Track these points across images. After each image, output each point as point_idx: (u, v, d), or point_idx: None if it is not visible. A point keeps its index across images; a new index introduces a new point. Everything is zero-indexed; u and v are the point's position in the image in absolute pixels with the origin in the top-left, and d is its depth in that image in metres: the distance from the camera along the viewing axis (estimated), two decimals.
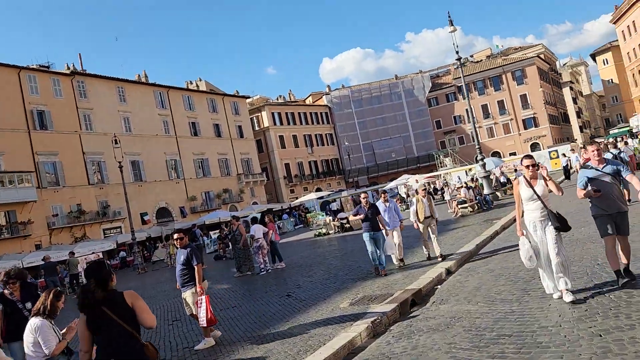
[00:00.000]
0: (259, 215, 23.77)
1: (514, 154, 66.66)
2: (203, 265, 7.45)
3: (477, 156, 22.07)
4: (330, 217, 25.10)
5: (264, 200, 60.02)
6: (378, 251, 9.59)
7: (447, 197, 21.80)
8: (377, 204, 10.31)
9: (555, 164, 39.96)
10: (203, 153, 54.40)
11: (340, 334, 5.92)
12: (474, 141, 74.55)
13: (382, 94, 78.55)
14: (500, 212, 17.14)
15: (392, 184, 33.93)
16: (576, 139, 76.88)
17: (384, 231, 9.75)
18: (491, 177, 22.01)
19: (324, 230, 23.66)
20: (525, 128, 72.21)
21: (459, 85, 75.57)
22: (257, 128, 67.02)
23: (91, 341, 3.48)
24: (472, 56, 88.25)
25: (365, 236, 9.69)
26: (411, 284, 7.94)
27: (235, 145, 59.53)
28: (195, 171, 52.99)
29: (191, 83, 66.03)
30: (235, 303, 9.88)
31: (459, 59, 22.64)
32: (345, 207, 23.11)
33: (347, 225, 22.83)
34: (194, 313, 7.07)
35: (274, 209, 42.52)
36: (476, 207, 18.60)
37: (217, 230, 34.18)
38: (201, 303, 6.83)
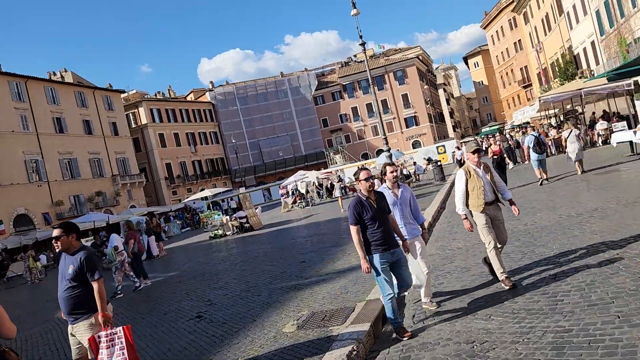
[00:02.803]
0: (142, 219, 20.63)
1: (398, 151, 68.81)
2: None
3: (383, 148, 21.19)
4: (227, 217, 22.68)
5: (143, 203, 55.16)
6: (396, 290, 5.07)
7: (337, 193, 20.59)
8: (381, 190, 5.57)
9: (443, 158, 41.20)
10: (71, 152, 48.25)
11: None
12: (359, 139, 76.72)
13: (268, 91, 76.76)
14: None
15: (290, 180, 32.20)
16: (452, 137, 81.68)
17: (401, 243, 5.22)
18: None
19: (220, 232, 21.19)
20: (407, 126, 74.83)
21: (344, 83, 76.51)
22: (133, 125, 61.58)
23: None
24: (355, 56, 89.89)
25: (376, 259, 4.91)
26: (370, 292, 6.15)
27: (109, 144, 53.84)
28: (61, 172, 46.73)
29: (55, 74, 58.68)
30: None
31: (362, 44, 21.59)
32: (243, 205, 20.79)
33: (247, 225, 20.61)
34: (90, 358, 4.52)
35: (156, 212, 38.67)
36: None
37: (91, 237, 29.91)
38: (113, 340, 4.32)
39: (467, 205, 5.85)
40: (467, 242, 8.16)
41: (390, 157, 21.05)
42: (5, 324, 3.37)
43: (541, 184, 14.20)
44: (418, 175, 27.47)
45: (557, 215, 8.69)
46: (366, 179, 5.02)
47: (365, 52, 22.35)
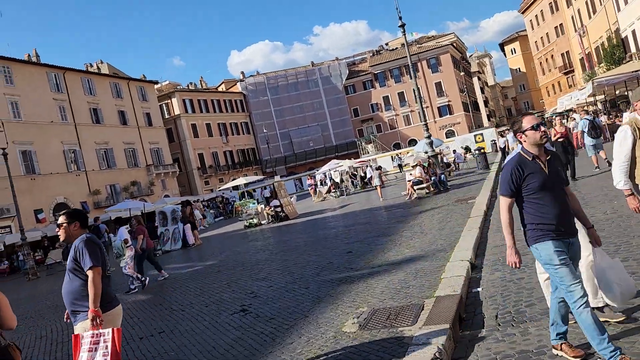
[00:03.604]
0: (178, 207, 20.34)
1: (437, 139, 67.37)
2: (108, 270, 4.25)
3: (424, 135, 20.32)
4: (262, 205, 22.22)
5: (177, 193, 55.55)
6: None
7: (376, 182, 19.81)
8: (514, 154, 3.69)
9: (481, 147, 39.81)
10: (107, 142, 48.83)
11: None
12: (391, 129, 75.53)
13: (298, 80, 76.14)
14: (462, 192, 15.31)
15: (324, 168, 31.57)
16: (487, 126, 79.47)
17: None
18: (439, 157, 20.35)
19: (255, 221, 20.74)
20: (440, 115, 73.22)
21: (376, 72, 75.22)
22: (167, 116, 61.99)
23: None
24: (387, 44, 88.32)
25: (548, 248, 3.33)
26: (438, 287, 5.44)
27: (144, 134, 54.30)
28: (98, 162, 47.38)
29: (91, 66, 59.46)
30: (164, 327, 6.85)
31: (402, 25, 20.66)
32: (278, 193, 20.28)
33: (282, 214, 20.08)
34: None
35: (192, 201, 38.67)
36: (431, 188, 16.68)
37: (128, 225, 30.05)
38: (98, 342, 3.57)
39: (632, 176, 4.24)
40: None
41: (431, 144, 20.16)
42: (7, 315, 3.18)
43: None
44: (458, 163, 26.42)
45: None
46: (535, 127, 3.34)
47: (404, 34, 21.45)
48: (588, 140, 13.49)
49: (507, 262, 3.51)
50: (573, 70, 61.36)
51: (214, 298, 7.68)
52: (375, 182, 19.51)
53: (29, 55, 47.79)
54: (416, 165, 17.07)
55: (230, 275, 9.59)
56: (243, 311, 6.47)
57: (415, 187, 16.25)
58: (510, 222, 3.48)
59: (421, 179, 16.48)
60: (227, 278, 9.27)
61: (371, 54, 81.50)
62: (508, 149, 23.25)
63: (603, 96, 32.53)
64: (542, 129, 3.37)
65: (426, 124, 21.05)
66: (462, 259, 6.52)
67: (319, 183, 32.30)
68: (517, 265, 3.45)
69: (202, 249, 17.12)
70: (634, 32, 39.44)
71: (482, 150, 22.07)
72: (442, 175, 17.58)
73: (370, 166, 35.20)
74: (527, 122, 3.41)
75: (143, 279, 10.90)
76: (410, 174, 16.89)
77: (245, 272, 9.52)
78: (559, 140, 12.22)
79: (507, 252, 3.49)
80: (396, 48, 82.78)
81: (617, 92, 30.68)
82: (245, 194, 39.73)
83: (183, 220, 18.93)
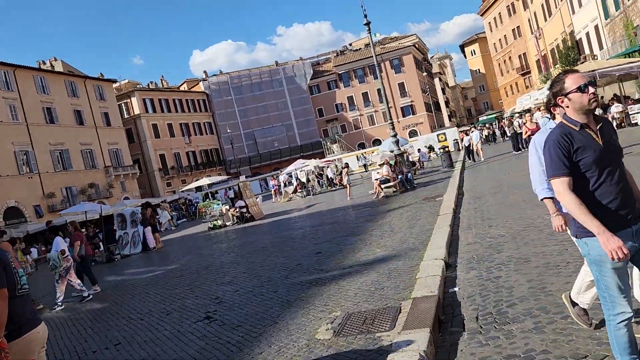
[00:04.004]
0: (138, 209, 19.56)
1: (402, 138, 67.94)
2: (21, 290, 3.33)
3: (390, 134, 20.19)
4: (227, 207, 21.66)
5: (137, 195, 54.02)
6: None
7: (345, 180, 19.75)
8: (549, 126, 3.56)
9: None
10: (62, 143, 46.97)
11: None
12: (355, 129, 75.75)
13: (262, 80, 75.43)
14: (429, 191, 15.25)
15: (290, 168, 31.18)
16: (449, 126, 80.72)
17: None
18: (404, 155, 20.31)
19: (219, 222, 20.17)
20: (403, 115, 73.95)
21: (340, 72, 75.30)
22: (126, 116, 60.28)
23: None
24: (350, 44, 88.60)
25: (599, 247, 2.55)
26: (413, 288, 5.19)
27: (102, 135, 52.57)
28: (53, 164, 45.50)
29: (44, 63, 57.13)
30: (120, 338, 6.36)
31: (367, 24, 20.51)
32: (244, 193, 19.80)
33: (248, 215, 19.60)
34: None
35: (160, 202, 37.69)
36: (398, 186, 16.57)
37: (83, 230, 28.88)
38: None
39: None
40: (509, 229, 7.23)
41: (397, 142, 20.09)
42: None
43: None
44: (422, 162, 26.54)
45: None
46: (582, 88, 2.63)
47: (370, 32, 21.31)
48: None
49: (610, 256, 2.44)
50: (530, 72, 63.02)
51: (176, 305, 7.22)
52: (345, 180, 19.36)
53: None
54: (383, 163, 16.94)
55: (193, 279, 9.12)
56: (207, 319, 6.06)
57: (382, 186, 16.10)
58: (580, 202, 2.55)
59: (388, 177, 16.34)
60: (190, 283, 8.80)
61: (335, 54, 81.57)
62: (472, 147, 23.50)
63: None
64: (591, 90, 2.65)
65: (392, 123, 20.96)
66: (436, 257, 6.30)
67: (282, 184, 31.93)
68: (626, 256, 2.46)
69: (163, 253, 16.48)
70: (587, 35, 40.76)
71: (447, 149, 22.17)
72: (409, 174, 17.51)
73: (336, 165, 35.09)
74: (571, 81, 2.68)
75: (84, 291, 10.17)
76: (378, 173, 16.74)
77: (210, 276, 9.07)
78: (530, 137, 12.24)
79: (603, 240, 2.47)
80: (360, 49, 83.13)
81: None
82: (209, 195, 38.91)
83: (143, 223, 18.19)
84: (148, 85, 72.69)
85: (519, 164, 17.40)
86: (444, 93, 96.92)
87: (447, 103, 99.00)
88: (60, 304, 9.74)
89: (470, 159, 23.81)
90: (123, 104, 60.41)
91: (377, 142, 71.80)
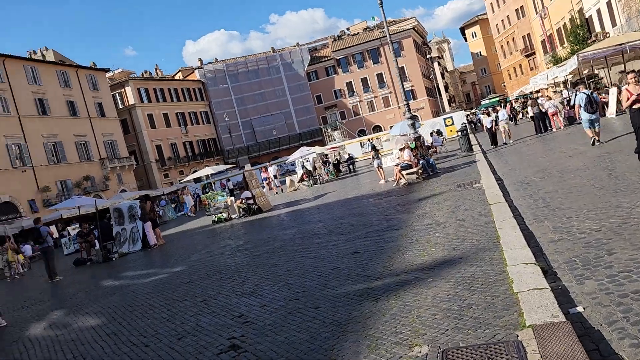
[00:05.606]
0: (136, 203, 18.06)
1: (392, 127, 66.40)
2: None
3: (406, 114, 18.75)
4: (232, 198, 20.21)
5: (134, 187, 52.59)
6: None
7: (375, 163, 18.45)
8: None
9: (451, 130, 38.87)
10: (56, 135, 45.36)
11: None
12: (355, 115, 74.17)
13: (259, 67, 73.59)
14: (458, 176, 13.81)
15: (295, 155, 29.67)
16: (448, 111, 79.13)
17: None
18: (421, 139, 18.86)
19: (224, 215, 18.74)
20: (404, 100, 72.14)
21: (338, 58, 73.48)
22: (121, 106, 58.56)
23: None
24: (348, 29, 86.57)
25: None
26: (520, 308, 3.79)
27: (96, 126, 50.92)
28: (47, 157, 43.95)
29: (35, 53, 55.21)
30: None
31: (381, 2, 18.95)
32: (249, 184, 18.37)
33: (255, 207, 18.17)
34: None
35: (181, 188, 36.40)
36: (420, 172, 15.14)
37: (77, 225, 27.44)
38: None
39: None
40: (602, 222, 5.83)
41: (413, 125, 18.62)
42: None
43: (593, 144, 12.72)
44: (435, 147, 25.06)
45: None
46: None
47: (382, 7, 19.66)
48: (585, 115, 13.41)
49: None
50: (534, 53, 61.37)
51: (189, 325, 5.78)
52: (376, 164, 18.06)
53: None
54: (404, 147, 15.48)
55: (205, 287, 7.68)
56: (233, 348, 4.63)
57: (404, 172, 14.66)
58: None
59: (410, 162, 14.90)
60: (203, 292, 7.36)
61: (333, 40, 79.62)
62: (494, 129, 21.96)
63: (570, 75, 31.82)
64: None
65: (407, 104, 19.50)
66: (525, 261, 4.90)
67: (272, 176, 30.47)
68: None
69: (165, 250, 15.03)
70: (599, 11, 39.14)
71: (465, 132, 20.66)
72: (430, 159, 16.09)
73: (373, 145, 33.34)
74: None
75: None
76: (398, 158, 15.31)
77: (225, 283, 7.63)
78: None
79: None
80: (357, 33, 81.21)
81: (585, 71, 29.97)
82: (206, 186, 37.41)
83: (142, 218, 16.71)
84: (142, 74, 70.79)
85: (553, 145, 16.01)
86: (443, 77, 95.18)
87: (446, 88, 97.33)
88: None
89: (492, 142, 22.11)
90: (117, 94, 58.72)
91: (377, 128, 70.29)
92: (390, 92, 72.70)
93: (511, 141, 20.85)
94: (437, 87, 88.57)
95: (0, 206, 38.76)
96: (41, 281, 15.13)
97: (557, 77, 28.11)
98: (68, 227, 31.18)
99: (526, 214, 7.32)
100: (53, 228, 32.88)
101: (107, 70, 58.35)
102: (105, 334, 6.38)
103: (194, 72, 72.03)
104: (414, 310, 4.41)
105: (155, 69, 74.66)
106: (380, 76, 72.92)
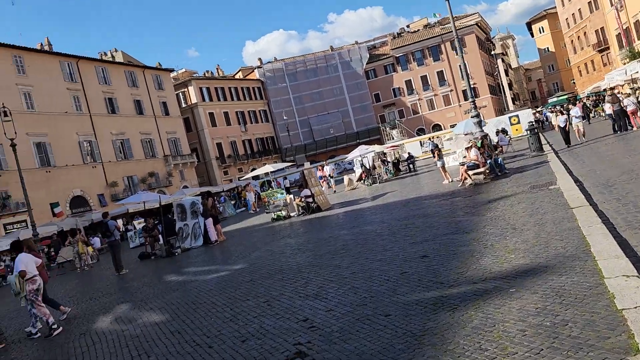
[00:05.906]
0: (198, 199, 18.37)
1: (455, 126, 64.65)
2: None
3: (472, 111, 17.98)
4: (291, 196, 20.20)
5: (195, 184, 54.05)
6: None
7: (439, 163, 17.77)
8: None
9: (517, 130, 37.25)
10: (123, 133, 47.38)
11: None
12: (414, 114, 72.86)
13: (317, 66, 73.74)
14: (531, 177, 13.01)
15: (354, 154, 29.39)
16: (512, 110, 76.17)
17: None
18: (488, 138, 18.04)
19: (283, 213, 18.73)
20: (465, 99, 70.15)
21: (397, 55, 72.38)
22: (184, 105, 60.37)
23: None
24: (408, 26, 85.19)
25: None
26: (628, 329, 3.33)
27: (161, 124, 52.75)
28: (115, 153, 45.99)
29: (105, 54, 57.96)
30: None
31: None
32: (309, 182, 18.23)
33: (314, 205, 18.04)
34: None
35: (246, 184, 37.37)
36: (487, 172, 14.42)
37: (142, 220, 28.38)
38: None
39: None
40: None
41: (479, 123, 17.85)
42: None
43: None
44: (502, 146, 23.95)
45: None
46: None
47: (448, 2, 18.98)
48: None
49: None
50: (608, 48, 57.88)
51: (253, 327, 5.61)
52: (439, 163, 17.41)
53: (41, 44, 46.35)
54: (470, 146, 14.81)
55: (267, 287, 7.52)
56: (300, 355, 4.40)
57: (470, 172, 14.00)
58: None
59: (477, 162, 14.22)
60: (265, 292, 7.20)
61: (392, 37, 78.54)
62: (568, 127, 20.77)
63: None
64: None
65: (474, 101, 18.74)
66: (625, 273, 4.36)
67: (327, 175, 30.24)
68: None
69: (226, 247, 15.14)
70: None
71: (535, 130, 19.57)
72: (499, 158, 15.31)
73: (435, 143, 32.46)
74: None
75: (51, 322, 8.09)
76: (464, 157, 14.67)
77: (287, 283, 7.44)
78: None
79: None
80: (417, 30, 79.72)
81: None
82: (265, 183, 37.77)
83: (204, 214, 16.94)
84: (204, 74, 72.69)
85: (636, 145, 14.85)
86: (507, 75, 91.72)
87: (510, 85, 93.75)
88: (56, 326, 8.01)
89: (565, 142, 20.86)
90: (180, 93, 60.55)
91: (436, 127, 68.73)
92: (451, 90, 70.88)
93: (585, 140, 19.59)
94: (501, 84, 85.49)
95: (73, 200, 40.82)
96: (108, 273, 15.64)
97: (637, 72, 26.21)
98: (134, 221, 32.36)
99: (616, 220, 6.66)
100: (120, 222, 34.29)
101: (172, 71, 60.30)
102: (169, 332, 6.33)
103: (253, 71, 73.17)
104: (499, 325, 4.00)
105: (217, 69, 76.42)
106: (440, 74, 71.24)
